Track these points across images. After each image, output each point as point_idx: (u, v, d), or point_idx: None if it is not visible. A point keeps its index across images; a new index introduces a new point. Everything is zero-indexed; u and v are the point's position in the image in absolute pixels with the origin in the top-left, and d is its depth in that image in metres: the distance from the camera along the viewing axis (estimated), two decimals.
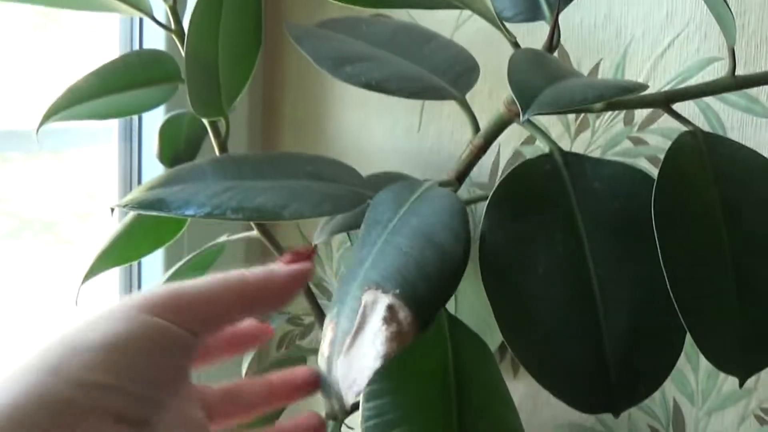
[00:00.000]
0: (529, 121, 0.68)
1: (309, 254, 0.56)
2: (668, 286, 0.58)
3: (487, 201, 0.62)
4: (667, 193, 0.61)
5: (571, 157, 0.65)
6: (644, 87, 0.60)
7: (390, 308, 0.55)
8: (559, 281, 0.61)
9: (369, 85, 0.71)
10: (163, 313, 0.46)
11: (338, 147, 1.15)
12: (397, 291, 0.55)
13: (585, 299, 0.61)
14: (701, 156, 0.64)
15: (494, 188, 0.62)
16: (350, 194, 0.74)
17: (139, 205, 0.71)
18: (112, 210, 0.79)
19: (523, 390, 0.99)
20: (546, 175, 0.64)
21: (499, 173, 1.00)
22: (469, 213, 1.00)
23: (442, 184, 0.68)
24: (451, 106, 1.04)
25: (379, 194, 0.67)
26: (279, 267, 0.54)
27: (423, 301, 0.56)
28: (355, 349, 0.54)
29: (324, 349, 0.57)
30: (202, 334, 0.48)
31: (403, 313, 0.54)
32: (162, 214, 0.70)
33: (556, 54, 0.93)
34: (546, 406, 0.99)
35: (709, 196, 0.63)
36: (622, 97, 0.56)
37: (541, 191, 0.63)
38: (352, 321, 0.55)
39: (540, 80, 0.55)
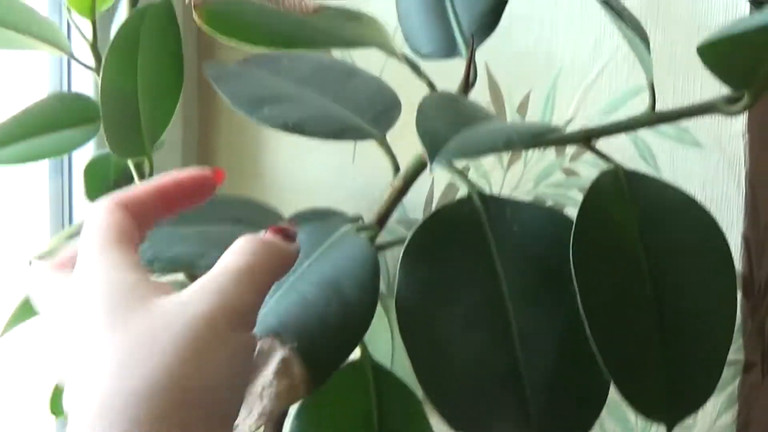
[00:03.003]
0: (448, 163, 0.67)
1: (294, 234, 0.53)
2: (588, 333, 0.57)
3: (402, 249, 0.60)
4: (586, 236, 0.59)
5: (490, 201, 0.64)
6: (557, 130, 0.59)
7: (285, 361, 0.53)
8: (476, 329, 0.59)
9: (286, 127, 0.69)
10: (247, 326, 0.46)
11: (274, 181, 1.13)
12: (295, 344, 0.53)
13: (504, 346, 0.59)
14: (622, 195, 0.63)
15: (409, 236, 0.60)
16: None
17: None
18: (30, 263, 0.76)
19: None
20: (464, 219, 0.63)
21: (434, 205, 0.99)
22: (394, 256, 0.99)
23: (361, 228, 0.66)
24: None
25: None
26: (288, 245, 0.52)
27: (320, 356, 0.54)
28: None
29: None
30: None
31: (297, 369, 0.53)
32: None
33: (485, 85, 0.92)
34: None
35: (630, 237, 0.61)
36: (533, 141, 0.55)
37: (458, 236, 0.62)
38: None
39: (448, 128, 0.53)
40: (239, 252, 0.48)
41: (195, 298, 0.44)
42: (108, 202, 0.50)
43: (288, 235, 0.52)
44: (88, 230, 0.49)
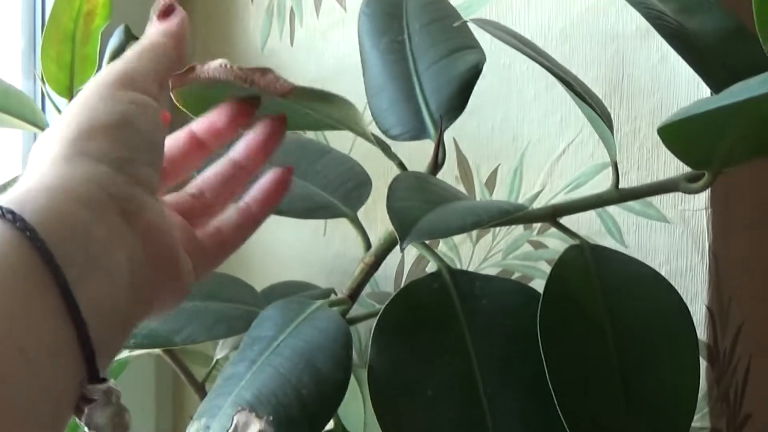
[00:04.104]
0: None
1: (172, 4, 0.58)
2: (556, 404, 0.58)
3: (373, 326, 0.61)
4: (553, 310, 0.61)
5: (459, 275, 0.65)
6: (523, 208, 0.60)
7: None
8: (448, 403, 0.61)
9: None
10: (126, 86, 0.50)
11: (246, 254, 1.14)
12: (271, 417, 0.55)
13: (475, 420, 0.61)
14: (588, 270, 0.65)
15: (380, 313, 0.62)
16: (245, 314, 0.74)
17: None
18: None
19: None
20: (434, 294, 0.64)
21: (404, 277, 1.01)
22: (367, 330, 1.00)
23: (334, 303, 0.68)
24: None
25: (267, 310, 0.67)
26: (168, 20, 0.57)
27: (296, 428, 0.56)
28: None
29: None
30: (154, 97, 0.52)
31: None
32: None
33: (454, 160, 0.94)
34: None
35: (596, 310, 0.63)
36: (501, 220, 0.56)
37: (429, 311, 0.64)
38: None
39: (418, 208, 0.55)
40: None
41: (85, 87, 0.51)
42: None
43: (167, 13, 0.57)
44: None
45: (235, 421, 0.55)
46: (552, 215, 0.68)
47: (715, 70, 0.65)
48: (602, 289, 0.64)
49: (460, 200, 0.59)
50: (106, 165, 0.46)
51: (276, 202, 0.60)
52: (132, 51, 0.53)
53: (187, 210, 0.57)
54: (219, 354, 0.85)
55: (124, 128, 0.48)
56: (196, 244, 0.54)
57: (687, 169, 0.64)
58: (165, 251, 0.48)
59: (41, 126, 0.90)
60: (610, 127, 0.65)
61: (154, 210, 0.47)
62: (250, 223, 0.59)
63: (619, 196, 0.67)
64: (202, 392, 0.89)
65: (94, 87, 0.50)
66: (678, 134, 0.55)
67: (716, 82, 0.65)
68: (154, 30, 0.56)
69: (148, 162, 0.48)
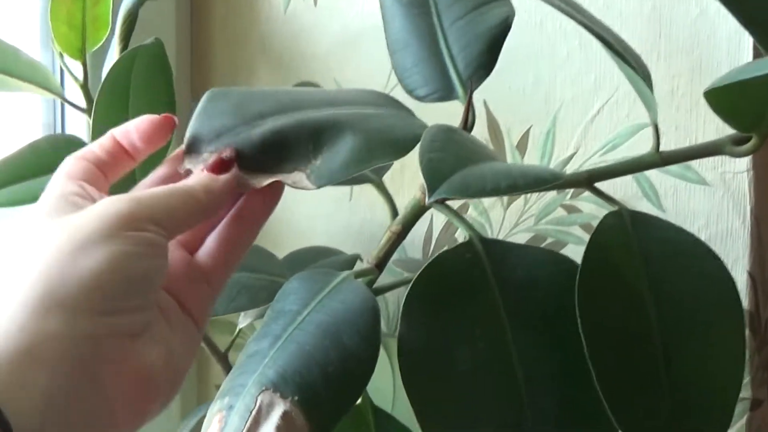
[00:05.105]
0: (446, 206, 0.66)
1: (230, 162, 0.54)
2: (595, 380, 0.56)
3: (404, 299, 0.59)
4: (592, 279, 0.58)
5: (492, 244, 0.62)
6: (560, 177, 0.57)
7: (286, 416, 0.52)
8: (481, 378, 0.58)
9: None
10: (139, 225, 0.47)
11: (271, 220, 1.11)
12: (296, 398, 0.52)
13: (509, 392, 0.58)
14: (627, 237, 0.61)
15: (411, 284, 0.59)
16: (268, 284, 0.71)
17: None
18: None
19: None
20: (466, 264, 0.61)
21: (433, 243, 0.98)
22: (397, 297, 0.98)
23: (361, 273, 0.65)
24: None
25: (291, 282, 0.64)
26: (215, 178, 0.53)
27: (323, 408, 0.53)
28: None
29: None
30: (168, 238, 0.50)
31: (299, 422, 0.52)
32: None
33: (484, 122, 0.91)
34: None
35: (636, 280, 0.60)
36: (537, 187, 0.53)
37: (461, 283, 0.61)
38: (244, 420, 0.52)
39: (452, 163, 0.51)
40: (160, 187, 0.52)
41: (93, 212, 0.47)
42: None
43: (222, 167, 0.53)
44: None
45: (258, 402, 0.53)
46: (588, 181, 0.65)
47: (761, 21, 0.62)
48: (642, 258, 0.61)
49: (495, 161, 0.55)
50: (81, 316, 0.44)
51: (278, 198, 0.58)
52: (154, 190, 0.51)
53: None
54: (242, 323, 0.82)
55: (112, 275, 0.45)
56: (198, 275, 0.55)
57: (728, 130, 0.60)
58: (137, 395, 0.47)
59: (55, 91, 0.87)
60: (650, 86, 0.62)
61: (131, 358, 0.46)
62: (253, 225, 0.58)
63: (660, 159, 0.64)
64: (224, 362, 0.86)
65: (95, 220, 0.47)
66: (727, 98, 0.52)
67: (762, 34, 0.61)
68: (195, 181, 0.53)
69: (135, 307, 0.47)
